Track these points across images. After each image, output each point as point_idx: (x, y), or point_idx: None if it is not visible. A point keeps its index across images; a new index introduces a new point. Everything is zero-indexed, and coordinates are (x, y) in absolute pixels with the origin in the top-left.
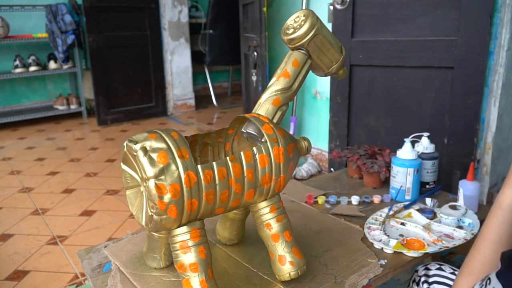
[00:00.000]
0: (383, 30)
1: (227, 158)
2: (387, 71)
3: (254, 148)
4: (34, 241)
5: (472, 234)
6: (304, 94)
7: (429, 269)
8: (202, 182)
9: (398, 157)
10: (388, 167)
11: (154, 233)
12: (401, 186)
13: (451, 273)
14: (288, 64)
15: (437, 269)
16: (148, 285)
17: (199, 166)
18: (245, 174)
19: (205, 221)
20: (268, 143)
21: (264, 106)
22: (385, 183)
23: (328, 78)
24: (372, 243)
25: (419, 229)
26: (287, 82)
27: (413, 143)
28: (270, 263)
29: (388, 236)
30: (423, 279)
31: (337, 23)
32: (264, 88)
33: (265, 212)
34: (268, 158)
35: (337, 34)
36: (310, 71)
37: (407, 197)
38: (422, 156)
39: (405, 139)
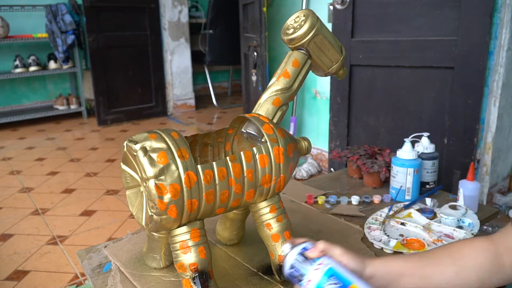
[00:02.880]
0: (383, 30)
1: (227, 158)
2: (387, 71)
3: (254, 148)
4: (34, 241)
5: (472, 234)
6: (304, 94)
7: None
8: (202, 182)
9: (398, 157)
10: (388, 167)
11: (154, 233)
12: (401, 186)
13: None
14: (288, 64)
15: None
16: (148, 285)
17: (199, 166)
18: (245, 174)
19: (205, 221)
20: (268, 143)
21: (264, 106)
22: (385, 183)
23: (328, 78)
24: (372, 243)
25: (419, 229)
26: (287, 82)
27: (413, 143)
28: (270, 263)
29: (388, 236)
30: None
31: (337, 23)
32: (264, 88)
33: (265, 212)
34: (268, 158)
35: (337, 34)
36: (310, 71)
37: (407, 197)
38: (422, 156)
39: (405, 139)
